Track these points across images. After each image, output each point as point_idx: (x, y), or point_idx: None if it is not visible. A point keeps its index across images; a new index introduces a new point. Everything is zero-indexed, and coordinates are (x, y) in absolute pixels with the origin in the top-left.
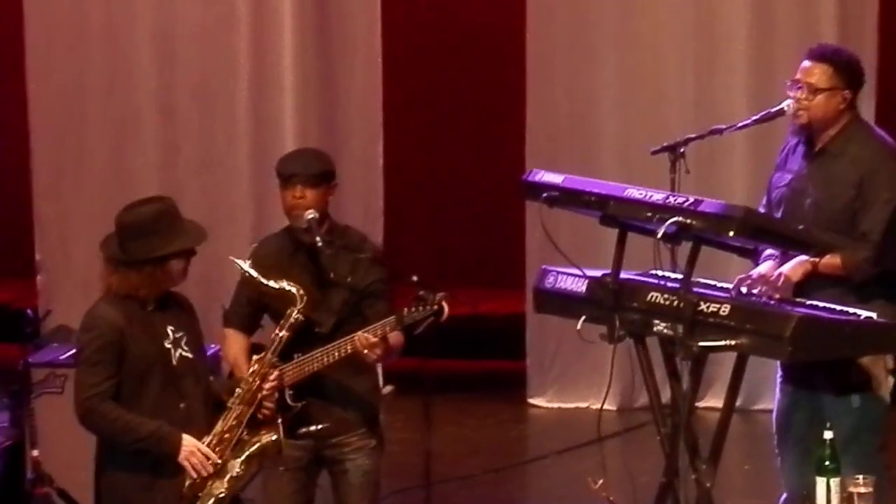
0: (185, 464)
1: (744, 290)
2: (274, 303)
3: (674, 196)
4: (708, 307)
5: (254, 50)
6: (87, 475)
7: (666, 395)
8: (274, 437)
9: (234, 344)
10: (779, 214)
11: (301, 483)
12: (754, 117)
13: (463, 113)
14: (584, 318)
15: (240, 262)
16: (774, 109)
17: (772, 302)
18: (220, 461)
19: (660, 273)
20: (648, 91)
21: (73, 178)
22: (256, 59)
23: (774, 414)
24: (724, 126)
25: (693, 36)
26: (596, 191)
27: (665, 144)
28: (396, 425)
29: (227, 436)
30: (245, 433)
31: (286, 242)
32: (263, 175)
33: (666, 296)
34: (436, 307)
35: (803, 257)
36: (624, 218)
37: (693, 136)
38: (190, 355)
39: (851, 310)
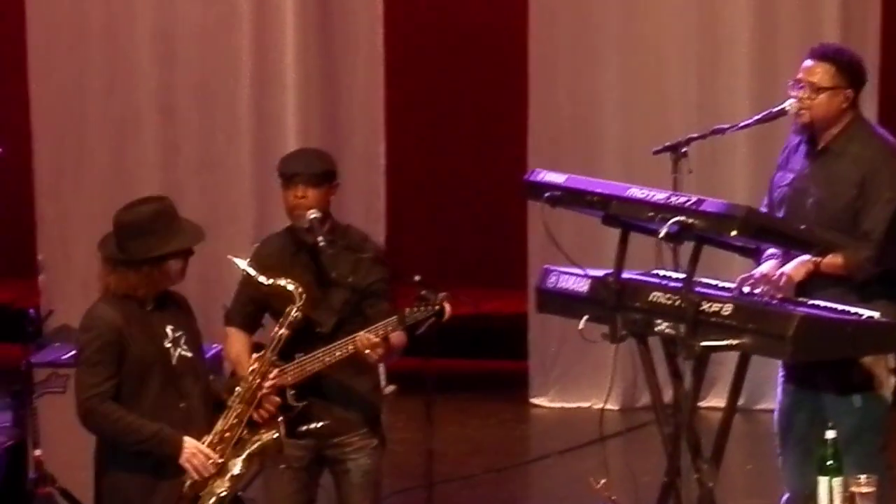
0: (187, 465)
1: (746, 289)
2: (275, 301)
3: (676, 196)
4: (710, 307)
5: (255, 49)
6: (90, 475)
7: (668, 395)
8: (275, 436)
9: (235, 343)
10: (781, 214)
11: (302, 483)
12: (756, 117)
13: (465, 113)
14: (586, 317)
15: (238, 260)
16: (777, 109)
17: (774, 302)
18: (221, 461)
19: (662, 273)
20: (651, 92)
21: (74, 177)
22: (258, 58)
23: (776, 414)
24: (726, 126)
25: (696, 38)
26: (598, 190)
27: (667, 144)
28: (398, 425)
29: (227, 435)
30: (245, 432)
31: (288, 242)
32: (264, 174)
33: (668, 295)
34: (437, 307)
35: (805, 257)
36: (626, 217)
37: (695, 135)
38: (189, 354)
39: (853, 309)
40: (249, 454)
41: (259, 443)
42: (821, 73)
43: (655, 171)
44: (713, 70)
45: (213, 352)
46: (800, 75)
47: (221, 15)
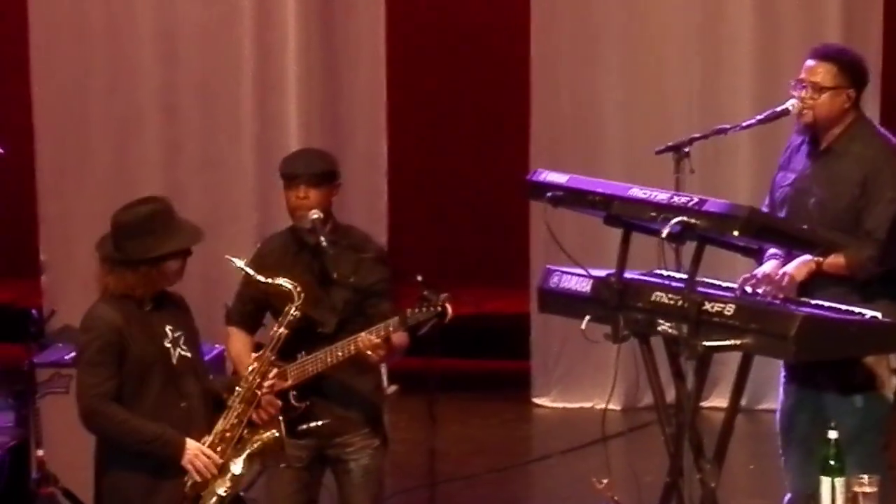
0: (189, 467)
1: (748, 289)
2: (275, 301)
3: (678, 196)
4: (712, 307)
5: (257, 48)
6: (92, 475)
7: (670, 395)
8: (275, 435)
9: (236, 342)
10: (782, 214)
11: (304, 482)
12: (759, 117)
13: (467, 112)
14: (588, 317)
15: (235, 259)
16: (779, 109)
17: (776, 301)
18: (221, 461)
19: (664, 273)
20: (653, 92)
21: (76, 177)
22: (259, 57)
23: (778, 414)
24: (728, 126)
25: (697, 37)
26: (600, 190)
27: (669, 144)
28: (401, 424)
29: (228, 435)
30: (245, 432)
31: (290, 242)
32: (266, 174)
33: (670, 295)
34: (439, 308)
35: (807, 257)
36: (628, 217)
37: (697, 135)
38: (189, 354)
39: (856, 309)
40: (250, 454)
41: (259, 442)
42: (823, 72)
43: (657, 170)
44: (715, 70)
45: (215, 352)
46: (802, 75)
47: (223, 14)
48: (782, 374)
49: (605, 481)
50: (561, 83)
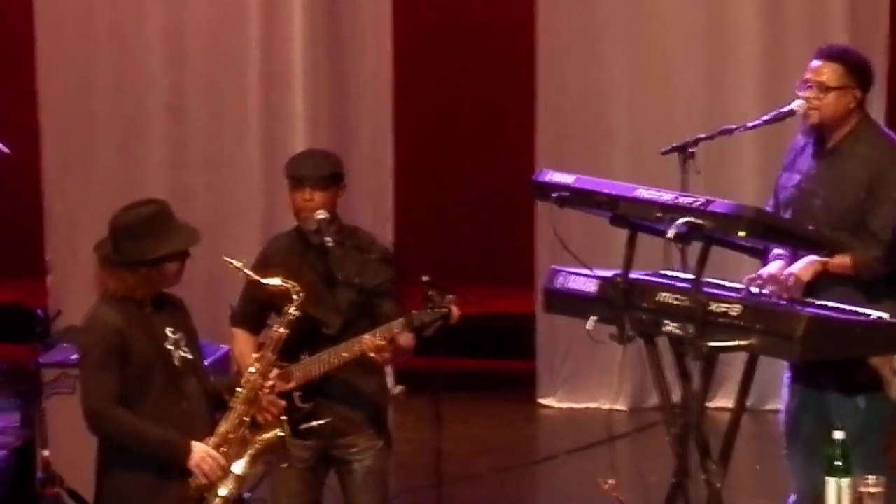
0: (196, 470)
1: (754, 290)
2: (280, 301)
3: (684, 196)
4: (718, 307)
5: (263, 47)
6: None
7: (676, 396)
8: (279, 435)
9: (240, 343)
10: (787, 215)
11: (308, 483)
12: (764, 117)
13: (472, 112)
14: (594, 318)
15: (233, 260)
16: (785, 109)
17: (782, 302)
18: (225, 463)
19: (670, 273)
20: (658, 91)
21: (82, 175)
22: (266, 56)
23: (782, 414)
24: (734, 126)
25: (703, 36)
26: (606, 191)
27: (675, 145)
28: (407, 424)
29: (231, 436)
30: (248, 432)
31: (295, 242)
32: (272, 173)
33: (676, 296)
34: (445, 310)
35: (813, 257)
36: (634, 218)
37: (703, 136)
38: (189, 356)
39: (862, 310)
40: (254, 455)
41: (263, 443)
42: (829, 72)
43: (663, 169)
44: (720, 68)
45: (221, 352)
46: (807, 76)
47: (229, 13)
48: (786, 374)
49: (610, 482)
50: (566, 82)
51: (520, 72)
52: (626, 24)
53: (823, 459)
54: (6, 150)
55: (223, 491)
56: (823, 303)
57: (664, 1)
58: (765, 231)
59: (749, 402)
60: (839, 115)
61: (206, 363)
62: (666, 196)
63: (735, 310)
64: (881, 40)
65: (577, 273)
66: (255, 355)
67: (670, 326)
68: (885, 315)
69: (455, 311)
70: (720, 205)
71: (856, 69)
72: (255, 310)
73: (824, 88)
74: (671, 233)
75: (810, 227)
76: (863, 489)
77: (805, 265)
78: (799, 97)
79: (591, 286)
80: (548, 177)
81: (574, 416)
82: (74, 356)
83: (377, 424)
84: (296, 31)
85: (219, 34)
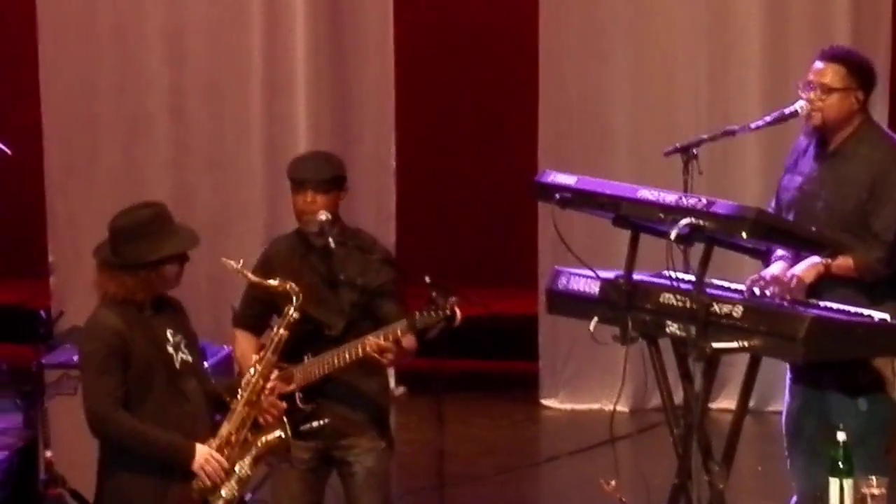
0: (201, 473)
1: (756, 291)
2: (282, 302)
3: (686, 197)
4: (721, 308)
5: (265, 49)
6: None
7: (679, 397)
8: (280, 435)
9: (242, 344)
10: (790, 217)
11: (309, 485)
12: (767, 119)
13: (474, 112)
14: (596, 319)
15: (231, 262)
16: (788, 111)
17: (784, 303)
18: (228, 465)
19: (672, 274)
20: (661, 90)
21: (85, 177)
22: (268, 57)
23: (784, 416)
24: (736, 127)
25: (705, 36)
26: (608, 192)
27: (677, 146)
28: (409, 425)
29: (233, 438)
30: (250, 434)
31: (297, 244)
32: (275, 174)
33: (678, 297)
34: (448, 312)
35: (816, 258)
36: (636, 219)
37: (706, 137)
38: (190, 358)
39: (864, 311)
40: (256, 455)
41: (265, 444)
42: (831, 74)
43: (666, 170)
44: (723, 67)
45: (223, 353)
46: (810, 77)
47: (231, 14)
48: (788, 375)
49: (613, 483)
50: (568, 81)
51: (521, 72)
52: (629, 23)
53: (825, 461)
54: (8, 151)
55: (226, 493)
56: (826, 304)
57: (666, 0)
58: (767, 232)
59: (751, 404)
60: (842, 116)
61: (207, 364)
62: (668, 197)
63: (737, 311)
64: (884, 41)
65: (580, 274)
66: (255, 357)
67: (673, 327)
68: (887, 316)
69: (458, 313)
70: (722, 206)
71: (858, 71)
72: (257, 311)
73: (827, 90)
74: (673, 234)
75: (812, 229)
76: (865, 490)
77: (807, 266)
78: (801, 98)
79: (593, 287)
80: (550, 178)
81: (576, 417)
82: (77, 357)
83: (379, 425)
84: (298, 32)
85: (221, 36)
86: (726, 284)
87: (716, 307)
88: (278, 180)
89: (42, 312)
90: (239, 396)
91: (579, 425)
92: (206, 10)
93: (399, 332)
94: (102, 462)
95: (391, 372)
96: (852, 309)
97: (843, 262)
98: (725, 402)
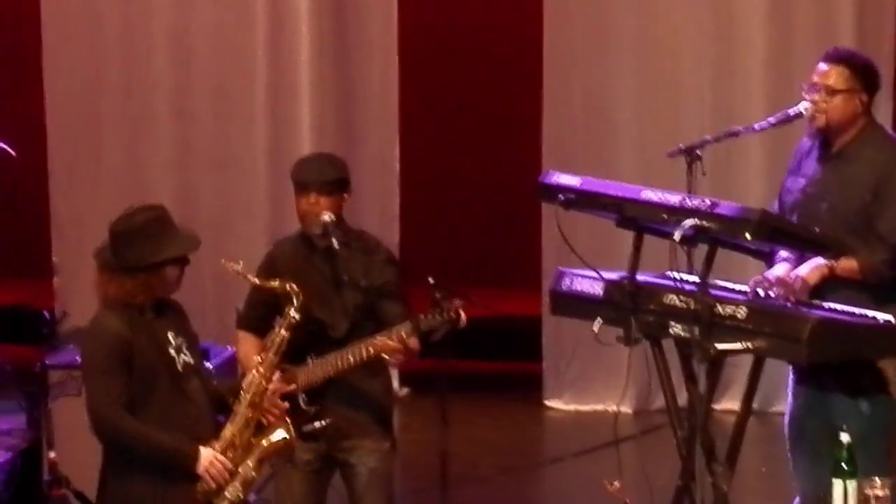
0: (205, 475)
1: (760, 292)
2: (286, 304)
3: (690, 198)
4: (724, 309)
5: (270, 50)
6: None
7: (682, 398)
8: (285, 437)
9: (246, 346)
10: (793, 219)
11: (312, 486)
12: (771, 120)
13: (479, 114)
14: (600, 320)
15: (231, 264)
16: (792, 113)
17: (788, 304)
18: (233, 467)
19: (676, 275)
20: (665, 92)
21: (89, 177)
22: (272, 59)
23: (787, 417)
24: (740, 128)
25: (710, 38)
26: (612, 193)
27: (681, 147)
28: (413, 426)
29: (236, 440)
30: (253, 435)
31: (300, 246)
32: (279, 175)
33: (682, 298)
34: (453, 315)
35: (820, 260)
36: (640, 220)
37: (710, 138)
38: (192, 360)
39: (869, 313)
40: (260, 457)
41: (269, 445)
42: (836, 75)
43: (670, 170)
44: (728, 70)
45: (227, 354)
46: (814, 79)
47: (236, 16)
48: (790, 377)
49: (616, 484)
50: (572, 82)
51: (525, 73)
52: (633, 25)
53: (828, 462)
54: (12, 151)
55: (230, 494)
56: (830, 305)
57: (671, 2)
58: (771, 233)
59: (755, 405)
60: (846, 118)
61: (212, 365)
62: (672, 198)
63: (741, 312)
64: (888, 44)
65: (584, 275)
66: (257, 358)
67: (676, 328)
68: (891, 318)
69: (463, 316)
70: (726, 207)
71: (862, 73)
72: (261, 313)
73: (831, 92)
74: (677, 235)
75: (816, 230)
76: (869, 491)
77: (811, 268)
78: (805, 100)
79: (597, 288)
80: (554, 179)
81: (580, 418)
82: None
83: (382, 426)
84: (303, 34)
85: (226, 37)
86: (730, 285)
87: (719, 308)
88: (282, 181)
89: (46, 313)
90: (241, 398)
91: (583, 426)
92: (211, 11)
93: (403, 335)
94: (106, 465)
95: (394, 373)
96: (856, 310)
97: (847, 264)
98: (729, 404)
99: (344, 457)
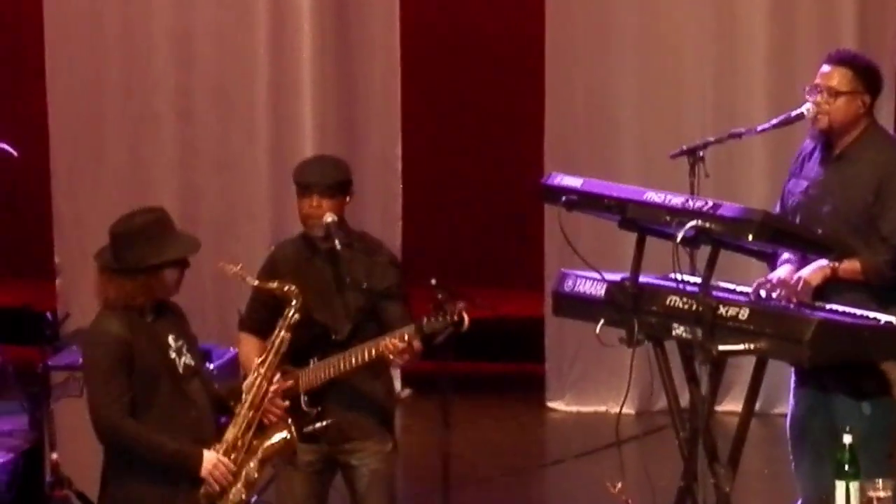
0: (209, 478)
1: (763, 293)
2: (285, 305)
3: (693, 200)
4: (727, 311)
5: (272, 50)
6: None
7: (685, 399)
8: (286, 437)
9: (247, 347)
10: (796, 221)
11: (313, 487)
12: (773, 121)
13: (481, 114)
14: (602, 321)
15: (229, 266)
16: (794, 114)
17: (791, 306)
18: (235, 469)
19: (679, 277)
20: (668, 92)
21: (91, 178)
22: (274, 59)
23: (788, 419)
24: (743, 130)
25: (712, 38)
26: (615, 194)
27: (684, 148)
28: (415, 427)
29: (239, 442)
30: (255, 437)
31: (302, 248)
32: (282, 176)
33: (685, 299)
34: (456, 318)
35: (823, 261)
36: (643, 221)
37: (712, 139)
38: (192, 363)
39: (871, 314)
40: (263, 458)
41: (271, 446)
42: (838, 77)
43: (672, 171)
44: (730, 71)
45: (229, 355)
46: (817, 80)
47: (238, 16)
48: (793, 378)
49: (619, 485)
50: (575, 83)
51: (527, 73)
52: (635, 22)
53: (830, 464)
54: (14, 152)
55: (233, 496)
56: (832, 307)
57: (674, 5)
58: (773, 235)
59: (757, 406)
60: (848, 119)
61: (214, 366)
62: (675, 200)
63: (744, 313)
64: (890, 45)
65: (586, 276)
66: (257, 360)
67: (679, 330)
68: (893, 319)
69: (466, 319)
70: (729, 208)
71: (865, 74)
72: (263, 315)
73: (834, 93)
74: (680, 236)
75: (819, 232)
76: (872, 493)
77: (814, 269)
78: (808, 101)
79: (599, 289)
80: (556, 180)
81: (582, 419)
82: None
83: (384, 428)
84: (304, 34)
85: (228, 38)
86: (733, 287)
87: (722, 310)
88: (284, 181)
89: (48, 314)
90: (242, 400)
91: (585, 427)
92: (212, 10)
93: (407, 337)
94: (107, 468)
95: (397, 374)
96: (859, 312)
97: (850, 266)
98: (731, 405)
99: (345, 458)
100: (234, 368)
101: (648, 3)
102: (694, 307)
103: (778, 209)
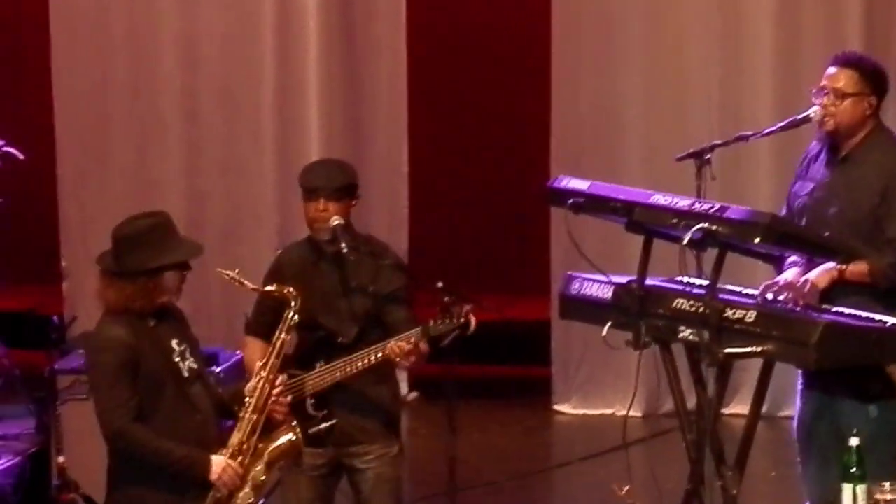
0: (219, 482)
1: (770, 296)
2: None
3: (699, 202)
4: (734, 313)
5: (278, 54)
6: None
7: (691, 402)
8: (292, 439)
9: (252, 351)
10: (802, 224)
11: (319, 491)
12: (780, 124)
13: (487, 117)
14: (609, 324)
15: (227, 272)
16: (800, 116)
17: (798, 309)
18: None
19: (685, 279)
20: (674, 95)
21: (98, 181)
22: (280, 63)
23: (795, 421)
24: (749, 133)
25: (718, 41)
26: (621, 197)
27: (690, 151)
28: (421, 431)
29: (244, 446)
30: (260, 440)
31: (308, 252)
32: (288, 179)
33: (692, 302)
34: (462, 321)
35: (829, 264)
36: (650, 224)
37: (719, 142)
38: (195, 366)
39: (878, 317)
40: (269, 460)
41: (277, 448)
42: (845, 79)
43: (678, 174)
44: (736, 73)
45: (235, 358)
46: (823, 82)
47: (244, 19)
48: (799, 381)
49: (625, 488)
50: (581, 86)
51: (534, 76)
52: (642, 28)
53: (837, 467)
54: (21, 156)
55: (241, 500)
56: (839, 310)
57: (680, 6)
58: (780, 238)
59: (764, 409)
60: (855, 121)
61: (220, 370)
62: (681, 202)
63: (750, 316)
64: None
65: (593, 279)
66: (258, 363)
67: (686, 332)
68: None
69: (473, 321)
70: (735, 211)
71: (871, 76)
72: (270, 319)
73: (840, 95)
74: (686, 239)
75: (826, 234)
76: (878, 496)
77: (821, 272)
78: (814, 104)
79: (606, 292)
80: (563, 183)
81: (589, 422)
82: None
83: (390, 431)
84: (311, 37)
85: (234, 41)
86: (739, 290)
87: (729, 312)
88: (290, 184)
89: (54, 318)
90: (246, 403)
91: (592, 430)
92: (220, 15)
93: (413, 340)
94: (112, 472)
95: (403, 377)
96: (865, 314)
97: (857, 268)
98: (738, 408)
99: (351, 462)
100: (241, 372)
101: (654, 4)
102: (701, 310)
103: (784, 211)
